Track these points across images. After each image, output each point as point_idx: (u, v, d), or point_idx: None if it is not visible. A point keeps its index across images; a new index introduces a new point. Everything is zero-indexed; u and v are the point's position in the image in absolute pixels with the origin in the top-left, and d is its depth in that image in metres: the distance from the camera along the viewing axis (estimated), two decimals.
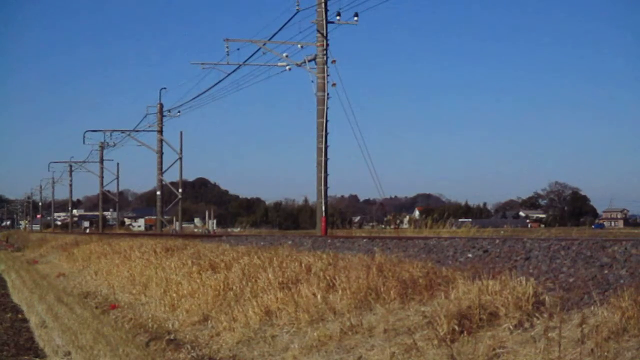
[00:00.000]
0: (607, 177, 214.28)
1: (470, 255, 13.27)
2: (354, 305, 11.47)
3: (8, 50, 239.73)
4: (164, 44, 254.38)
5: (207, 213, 68.58)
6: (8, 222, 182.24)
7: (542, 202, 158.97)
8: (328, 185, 31.13)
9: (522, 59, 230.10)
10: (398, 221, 40.19)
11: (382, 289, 11.44)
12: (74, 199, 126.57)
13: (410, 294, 11.03)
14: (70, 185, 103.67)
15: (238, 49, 35.10)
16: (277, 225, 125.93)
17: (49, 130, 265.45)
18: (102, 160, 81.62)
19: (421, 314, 9.87)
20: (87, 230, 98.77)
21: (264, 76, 51.66)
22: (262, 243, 22.46)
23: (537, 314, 8.86)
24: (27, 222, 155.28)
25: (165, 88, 57.63)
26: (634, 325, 7.76)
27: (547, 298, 9.25)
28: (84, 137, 67.77)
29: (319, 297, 12.32)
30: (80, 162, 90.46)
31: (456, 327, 9.06)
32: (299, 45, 32.07)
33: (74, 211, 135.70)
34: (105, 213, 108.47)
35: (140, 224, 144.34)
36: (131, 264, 24.19)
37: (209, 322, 14.03)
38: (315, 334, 10.90)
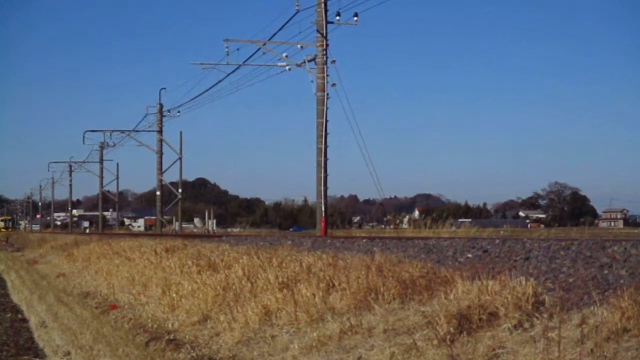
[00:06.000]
0: (607, 177, 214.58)
1: (470, 255, 13.26)
2: (354, 306, 11.47)
3: (8, 50, 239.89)
4: (164, 43, 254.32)
5: (206, 213, 68.44)
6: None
7: (542, 202, 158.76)
8: (328, 186, 31.17)
9: (522, 59, 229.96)
10: (398, 221, 40.19)
11: (381, 289, 11.44)
12: (74, 199, 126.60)
13: (410, 294, 11.03)
14: (70, 185, 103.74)
15: (238, 49, 35.18)
16: (276, 225, 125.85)
17: (49, 130, 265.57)
18: (101, 160, 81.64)
19: (421, 314, 9.87)
20: (87, 231, 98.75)
21: (263, 76, 51.77)
22: (261, 243, 22.45)
23: (537, 314, 8.85)
24: (26, 222, 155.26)
25: (165, 88, 57.79)
26: (634, 325, 7.75)
27: (547, 298, 9.25)
28: (83, 137, 67.81)
29: (318, 297, 12.32)
30: (80, 162, 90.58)
31: (456, 327, 9.06)
32: (299, 46, 32.09)
33: (74, 211, 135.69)
34: (105, 213, 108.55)
35: (140, 224, 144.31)
36: (131, 264, 24.19)
37: (209, 322, 14.03)
38: (314, 334, 10.90)
